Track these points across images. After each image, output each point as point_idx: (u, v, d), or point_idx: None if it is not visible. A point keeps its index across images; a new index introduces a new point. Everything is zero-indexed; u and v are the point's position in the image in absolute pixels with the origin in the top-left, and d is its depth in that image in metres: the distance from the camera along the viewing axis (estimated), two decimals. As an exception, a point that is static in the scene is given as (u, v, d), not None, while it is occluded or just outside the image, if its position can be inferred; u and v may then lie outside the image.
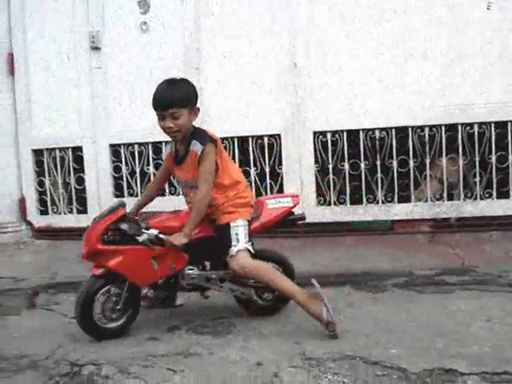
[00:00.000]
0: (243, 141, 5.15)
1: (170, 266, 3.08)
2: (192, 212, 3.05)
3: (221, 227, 3.11)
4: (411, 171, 4.87)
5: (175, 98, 2.97)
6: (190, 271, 3.17)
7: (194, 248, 3.08)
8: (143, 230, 2.99)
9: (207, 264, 3.26)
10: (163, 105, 2.98)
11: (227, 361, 2.72)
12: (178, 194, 5.11)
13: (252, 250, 3.08)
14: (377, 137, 4.85)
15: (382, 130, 4.84)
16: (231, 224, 3.07)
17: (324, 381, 2.48)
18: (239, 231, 3.06)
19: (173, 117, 2.96)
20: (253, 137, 5.07)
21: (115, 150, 5.42)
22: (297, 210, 3.41)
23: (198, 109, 3.08)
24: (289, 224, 3.48)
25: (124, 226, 2.99)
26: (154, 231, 2.98)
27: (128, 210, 3.17)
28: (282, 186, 5.03)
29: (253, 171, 5.09)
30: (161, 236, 2.97)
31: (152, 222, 3.11)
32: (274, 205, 3.30)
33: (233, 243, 3.03)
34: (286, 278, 3.10)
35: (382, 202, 4.88)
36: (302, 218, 3.43)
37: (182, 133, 3.02)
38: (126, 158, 5.40)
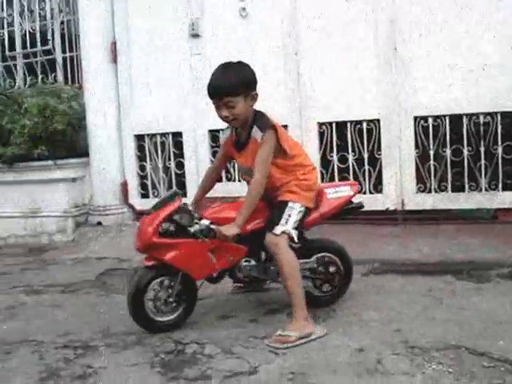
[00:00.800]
0: (341, 126, 5.09)
1: (228, 259, 3.01)
2: (245, 200, 2.92)
3: (278, 204, 2.99)
4: (465, 159, 4.69)
5: (229, 86, 2.84)
6: (247, 263, 3.09)
7: (252, 239, 3.00)
8: (196, 221, 2.90)
9: (263, 255, 3.15)
10: (217, 95, 2.87)
11: (328, 346, 2.73)
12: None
13: (295, 239, 2.94)
14: (481, 122, 4.66)
15: (486, 114, 4.64)
16: (289, 204, 2.95)
17: (428, 370, 2.43)
18: (293, 214, 2.93)
19: (228, 106, 2.85)
20: (351, 122, 5.00)
21: (213, 135, 5.50)
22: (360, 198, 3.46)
23: (256, 94, 2.92)
24: (347, 213, 3.38)
25: (176, 217, 2.92)
26: (205, 222, 2.87)
27: (191, 200, 3.18)
28: (380, 172, 4.93)
29: (351, 157, 5.03)
30: (212, 227, 2.84)
31: (207, 212, 3.02)
32: (333, 194, 3.19)
33: (281, 222, 2.90)
34: (301, 287, 2.93)
35: (486, 190, 4.69)
36: (361, 206, 3.34)
37: (239, 121, 2.92)
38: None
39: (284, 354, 2.66)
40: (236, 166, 3.35)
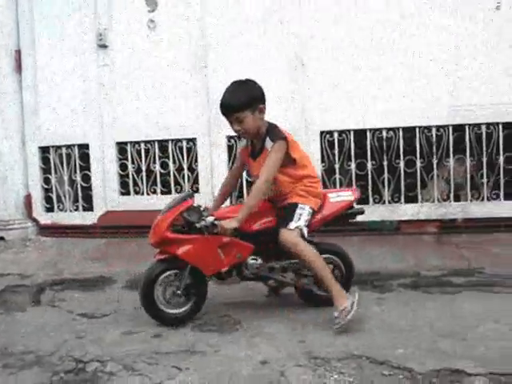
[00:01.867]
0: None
1: (236, 255, 3.19)
2: (247, 199, 3.26)
3: (287, 205, 3.24)
4: (418, 171, 4.86)
5: (235, 103, 3.12)
6: (253, 261, 3.25)
7: (259, 238, 3.22)
8: (203, 218, 3.12)
9: (270, 255, 3.32)
10: (226, 111, 3.17)
11: (232, 359, 2.72)
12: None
13: (306, 235, 3.16)
14: (384, 137, 4.82)
15: (389, 130, 4.81)
16: (299, 204, 3.20)
17: (330, 380, 2.46)
18: (304, 213, 3.18)
19: (238, 120, 3.13)
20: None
21: (121, 147, 5.41)
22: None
23: (264, 106, 3.20)
24: (348, 218, 3.53)
25: (185, 214, 3.14)
26: (210, 218, 3.11)
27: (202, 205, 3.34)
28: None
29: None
30: (215, 222, 3.08)
31: (216, 212, 3.29)
32: (336, 198, 3.39)
33: (294, 219, 3.14)
34: (326, 268, 3.16)
35: (389, 202, 4.86)
36: (361, 212, 3.52)
37: (250, 133, 3.21)
38: (132, 156, 5.40)
39: (187, 368, 2.63)
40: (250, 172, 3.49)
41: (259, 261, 3.26)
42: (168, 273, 3.18)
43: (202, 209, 3.23)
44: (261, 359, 2.68)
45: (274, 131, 3.20)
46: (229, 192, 3.61)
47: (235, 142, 5.08)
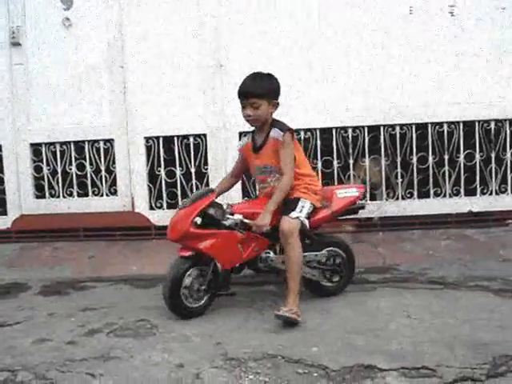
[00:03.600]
0: (169, 140, 5.10)
1: (254, 249, 3.35)
2: (276, 192, 3.29)
3: (290, 200, 3.35)
4: (335, 171, 4.95)
5: (256, 89, 3.28)
6: (267, 254, 3.41)
7: (271, 233, 3.30)
8: (228, 216, 3.26)
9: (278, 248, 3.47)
10: (244, 94, 3.31)
11: (149, 363, 2.69)
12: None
13: (307, 227, 3.33)
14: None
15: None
16: (301, 199, 3.34)
17: (245, 381, 2.47)
18: (305, 206, 3.33)
19: (252, 106, 3.28)
20: (178, 136, 5.04)
21: (36, 149, 5.26)
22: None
23: (278, 103, 3.37)
24: (352, 213, 3.76)
25: (211, 211, 3.25)
26: (239, 216, 3.25)
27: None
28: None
29: (179, 171, 5.03)
30: (245, 221, 3.24)
31: (236, 208, 3.37)
32: (343, 194, 3.60)
33: (296, 210, 3.28)
34: (301, 274, 3.26)
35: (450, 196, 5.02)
36: (363, 207, 3.78)
37: (259, 122, 3.35)
38: (47, 158, 5.25)
39: (101, 375, 2.58)
40: (250, 168, 3.54)
41: (272, 254, 3.42)
42: (193, 269, 3.26)
43: (219, 203, 3.35)
44: (177, 363, 2.67)
45: (280, 123, 3.37)
46: (226, 189, 3.68)
47: (153, 142, 5.03)
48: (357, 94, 4.90)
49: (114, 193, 5.14)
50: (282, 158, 3.31)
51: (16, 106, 5.21)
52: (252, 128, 3.51)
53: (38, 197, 5.29)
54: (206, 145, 5.00)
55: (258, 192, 3.92)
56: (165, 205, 5.05)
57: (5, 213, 5.32)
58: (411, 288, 3.69)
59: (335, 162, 4.97)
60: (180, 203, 3.38)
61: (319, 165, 4.96)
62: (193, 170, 5.05)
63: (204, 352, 2.78)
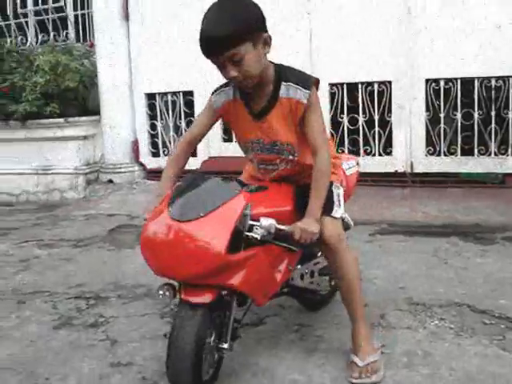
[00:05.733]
0: (352, 88, 5.08)
1: (288, 268, 2.24)
2: (317, 186, 2.09)
3: None
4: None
5: (225, 32, 1.91)
6: (303, 269, 2.44)
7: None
8: (250, 222, 1.94)
9: None
10: (213, 50, 1.97)
11: (334, 300, 2.77)
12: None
13: (352, 225, 2.43)
14: (492, 86, 4.64)
15: (498, 78, 4.63)
16: (334, 183, 2.26)
17: (430, 325, 2.50)
18: (341, 194, 2.28)
19: (233, 61, 1.96)
20: (362, 83, 4.99)
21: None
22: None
23: (269, 36, 2.03)
24: None
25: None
26: (270, 220, 1.95)
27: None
28: (390, 133, 4.95)
29: (361, 119, 5.03)
30: (282, 227, 1.99)
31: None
32: (349, 171, 2.61)
33: (335, 203, 2.21)
34: (361, 291, 2.27)
35: (495, 154, 4.71)
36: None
37: (253, 78, 2.03)
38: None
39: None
40: (241, 139, 2.30)
41: (305, 266, 2.45)
42: (211, 323, 1.96)
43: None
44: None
45: (295, 73, 2.13)
46: (185, 163, 2.30)
47: (337, 89, 5.04)
48: None
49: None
50: (312, 128, 2.09)
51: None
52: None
53: (225, 140, 5.56)
54: (390, 92, 4.91)
55: (250, 172, 2.44)
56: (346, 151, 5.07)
57: (195, 155, 5.67)
58: None
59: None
60: (169, 208, 1.89)
61: (510, 115, 4.69)
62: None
63: (388, 295, 2.84)
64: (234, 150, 5.39)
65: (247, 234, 1.92)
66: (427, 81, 4.77)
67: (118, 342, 2.49)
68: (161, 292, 1.99)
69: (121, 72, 5.84)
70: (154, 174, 5.81)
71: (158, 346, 2.42)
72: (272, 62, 2.13)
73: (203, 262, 1.83)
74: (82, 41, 6.53)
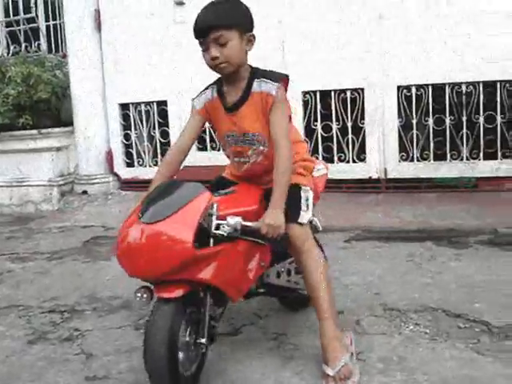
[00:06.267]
0: (325, 95, 5.11)
1: (260, 264, 2.29)
2: (278, 178, 2.17)
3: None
4: (498, 127, 4.72)
5: (219, 17, 2.18)
6: (278, 265, 2.52)
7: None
8: (217, 221, 2.04)
9: None
10: (204, 28, 2.17)
11: (308, 310, 2.77)
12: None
13: (320, 228, 2.43)
14: (463, 91, 4.70)
15: (468, 84, 4.69)
16: (302, 187, 2.34)
17: (405, 330, 2.52)
18: (310, 198, 2.34)
19: (218, 42, 2.16)
20: (335, 91, 5.02)
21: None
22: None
23: (253, 36, 2.26)
24: None
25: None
26: (237, 219, 2.05)
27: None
28: (364, 140, 4.98)
29: (335, 126, 5.05)
30: (248, 224, 2.09)
31: (221, 208, 2.09)
32: (317, 173, 2.57)
33: (303, 208, 2.28)
34: (330, 288, 2.31)
35: (467, 159, 4.76)
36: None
37: (231, 65, 2.21)
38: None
39: (266, 316, 2.73)
40: (219, 134, 2.46)
41: (282, 264, 2.51)
42: (186, 316, 2.06)
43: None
44: (338, 309, 2.74)
45: (266, 71, 2.31)
46: (177, 169, 2.42)
47: (310, 97, 5.07)
48: None
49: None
50: (275, 121, 2.22)
51: (176, 65, 5.46)
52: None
53: (199, 149, 5.54)
54: (363, 99, 4.95)
55: (230, 168, 2.58)
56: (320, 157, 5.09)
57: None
58: None
59: (498, 118, 4.74)
60: (137, 213, 2.01)
61: (481, 119, 4.75)
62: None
63: (363, 301, 2.86)
64: (208, 159, 5.43)
65: (214, 232, 2.03)
66: (399, 87, 4.82)
67: (93, 356, 2.48)
68: (138, 294, 2.08)
69: (94, 82, 5.80)
70: (129, 185, 5.79)
71: (133, 358, 2.41)
72: (250, 65, 2.32)
73: (172, 257, 1.93)
74: (54, 51, 6.50)
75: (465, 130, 4.72)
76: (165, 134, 5.67)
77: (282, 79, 2.25)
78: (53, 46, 6.52)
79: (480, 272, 3.19)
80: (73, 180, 5.95)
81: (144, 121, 5.77)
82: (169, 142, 5.62)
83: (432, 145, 4.82)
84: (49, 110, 5.91)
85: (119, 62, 5.76)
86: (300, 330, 2.58)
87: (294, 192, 2.27)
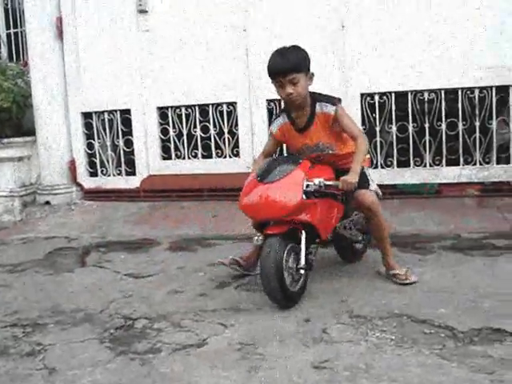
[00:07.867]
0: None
1: (337, 216, 3.17)
2: (357, 153, 3.00)
3: None
4: (460, 134, 4.79)
5: (292, 64, 2.99)
6: (346, 220, 3.33)
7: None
8: (307, 182, 2.88)
9: None
10: (281, 72, 2.99)
11: (277, 317, 2.79)
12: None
13: (381, 196, 3.35)
14: (425, 99, 4.76)
15: (430, 91, 4.75)
16: (365, 167, 3.23)
17: (371, 337, 2.52)
18: (371, 174, 3.29)
19: (291, 83, 2.98)
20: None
21: (163, 112, 5.47)
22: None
23: (313, 73, 3.09)
24: None
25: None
26: (320, 179, 2.90)
27: None
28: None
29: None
30: (329, 183, 2.95)
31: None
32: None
33: (370, 180, 3.21)
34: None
35: (430, 165, 4.82)
36: None
37: (301, 98, 3.04)
38: (173, 121, 5.45)
39: (232, 325, 2.72)
40: (289, 149, 3.56)
41: (349, 219, 3.34)
42: (289, 247, 2.88)
43: None
44: (304, 317, 2.75)
45: (324, 96, 3.15)
46: None
47: (275, 105, 5.08)
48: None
49: (237, 154, 5.26)
50: (346, 127, 3.06)
51: (144, 72, 5.43)
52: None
53: (164, 158, 5.52)
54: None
55: None
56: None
57: (134, 173, 5.61)
58: (541, 254, 3.56)
59: (460, 124, 4.81)
60: (256, 177, 2.94)
61: (443, 126, 4.81)
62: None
63: (330, 308, 2.86)
64: (173, 168, 5.40)
65: (305, 189, 2.86)
66: (362, 95, 4.87)
67: (56, 371, 2.42)
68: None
69: (55, 91, 5.71)
70: (93, 195, 5.73)
71: (97, 372, 2.36)
72: (310, 91, 3.12)
73: (288, 204, 2.82)
74: (15, 60, 6.39)
75: (427, 137, 4.79)
76: (128, 143, 5.62)
77: (339, 101, 3.11)
78: (14, 54, 6.41)
79: (444, 277, 3.22)
80: (35, 190, 5.84)
81: (107, 130, 5.71)
82: (132, 150, 5.58)
83: (395, 152, 4.87)
84: (10, 119, 5.80)
85: (81, 70, 5.69)
86: (266, 340, 2.56)
87: (361, 171, 3.03)
